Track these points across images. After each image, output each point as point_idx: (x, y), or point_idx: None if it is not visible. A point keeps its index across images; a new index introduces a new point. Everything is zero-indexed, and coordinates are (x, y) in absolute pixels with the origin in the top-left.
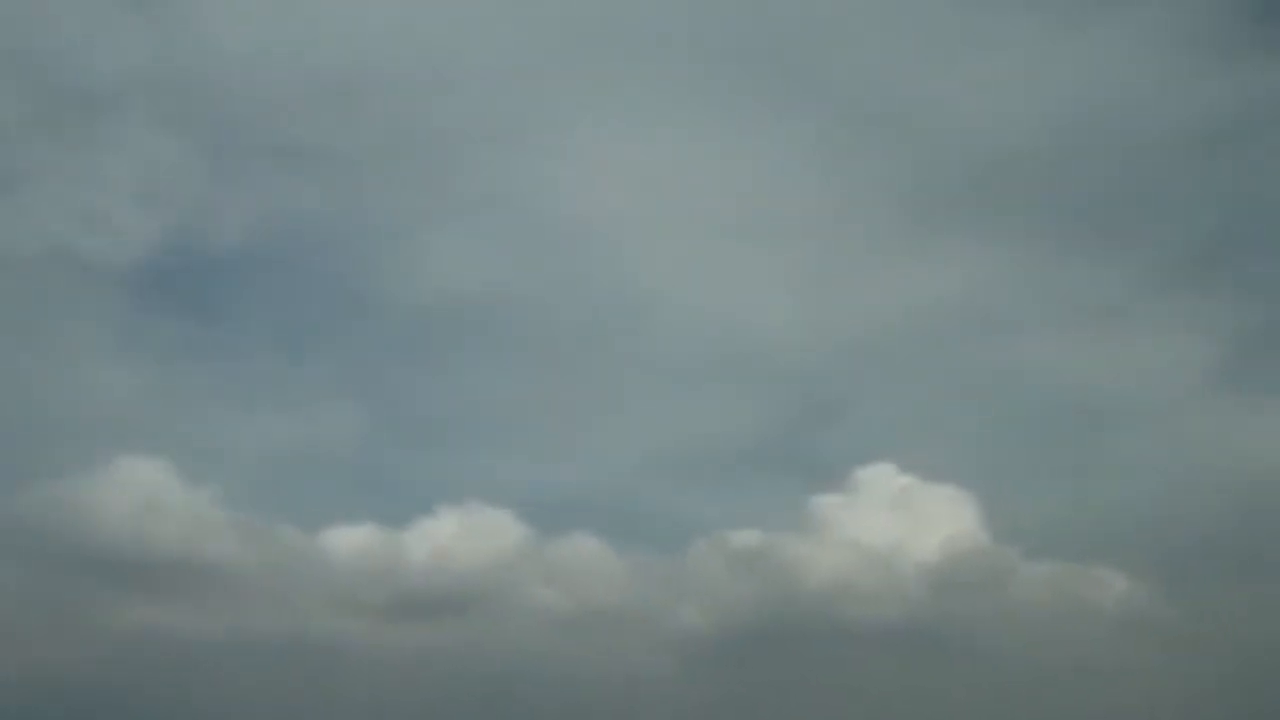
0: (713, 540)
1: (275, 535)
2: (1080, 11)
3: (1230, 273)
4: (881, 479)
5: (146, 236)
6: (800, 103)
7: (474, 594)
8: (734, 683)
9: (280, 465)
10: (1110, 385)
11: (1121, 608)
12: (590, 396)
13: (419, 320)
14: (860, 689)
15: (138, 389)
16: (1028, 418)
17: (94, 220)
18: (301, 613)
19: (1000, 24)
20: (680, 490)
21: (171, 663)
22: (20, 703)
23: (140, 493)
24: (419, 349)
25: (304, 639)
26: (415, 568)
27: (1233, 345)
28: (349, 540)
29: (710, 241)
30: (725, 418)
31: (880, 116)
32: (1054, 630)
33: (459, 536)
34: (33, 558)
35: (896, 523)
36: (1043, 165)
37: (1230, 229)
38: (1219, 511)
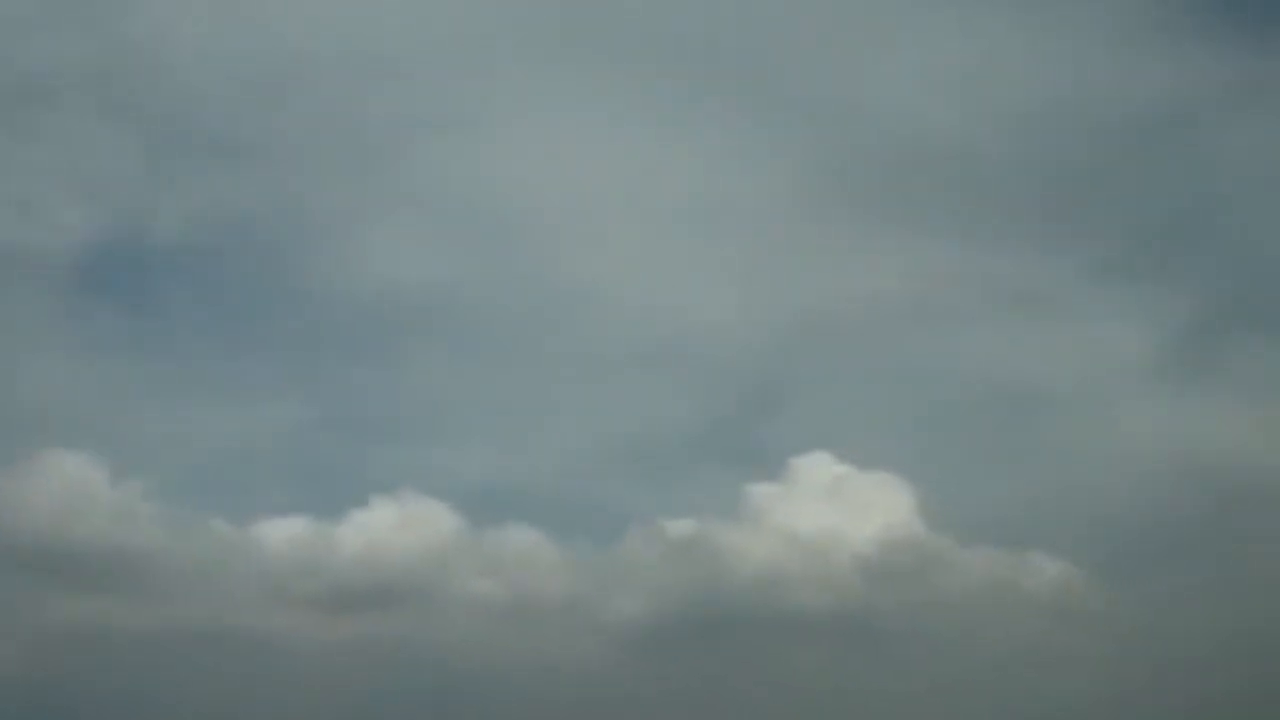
0: (649, 530)
1: (206, 528)
2: (1023, 2)
3: (1167, 264)
4: (818, 468)
5: (81, 228)
6: (740, 93)
7: (409, 585)
8: (671, 671)
9: (213, 459)
10: (1047, 374)
11: (1058, 595)
12: (528, 387)
13: (357, 313)
14: (798, 677)
15: (67, 382)
16: (964, 406)
17: (27, 211)
18: (233, 606)
19: (942, 15)
20: (617, 480)
21: (100, 657)
22: None
23: (67, 486)
24: (356, 342)
25: (236, 632)
26: (349, 560)
27: (1170, 335)
28: (281, 532)
29: (648, 232)
30: (662, 408)
31: (820, 106)
32: (990, 617)
33: (394, 528)
34: None
35: (833, 511)
36: (982, 156)
37: (1169, 219)
38: (1156, 499)
